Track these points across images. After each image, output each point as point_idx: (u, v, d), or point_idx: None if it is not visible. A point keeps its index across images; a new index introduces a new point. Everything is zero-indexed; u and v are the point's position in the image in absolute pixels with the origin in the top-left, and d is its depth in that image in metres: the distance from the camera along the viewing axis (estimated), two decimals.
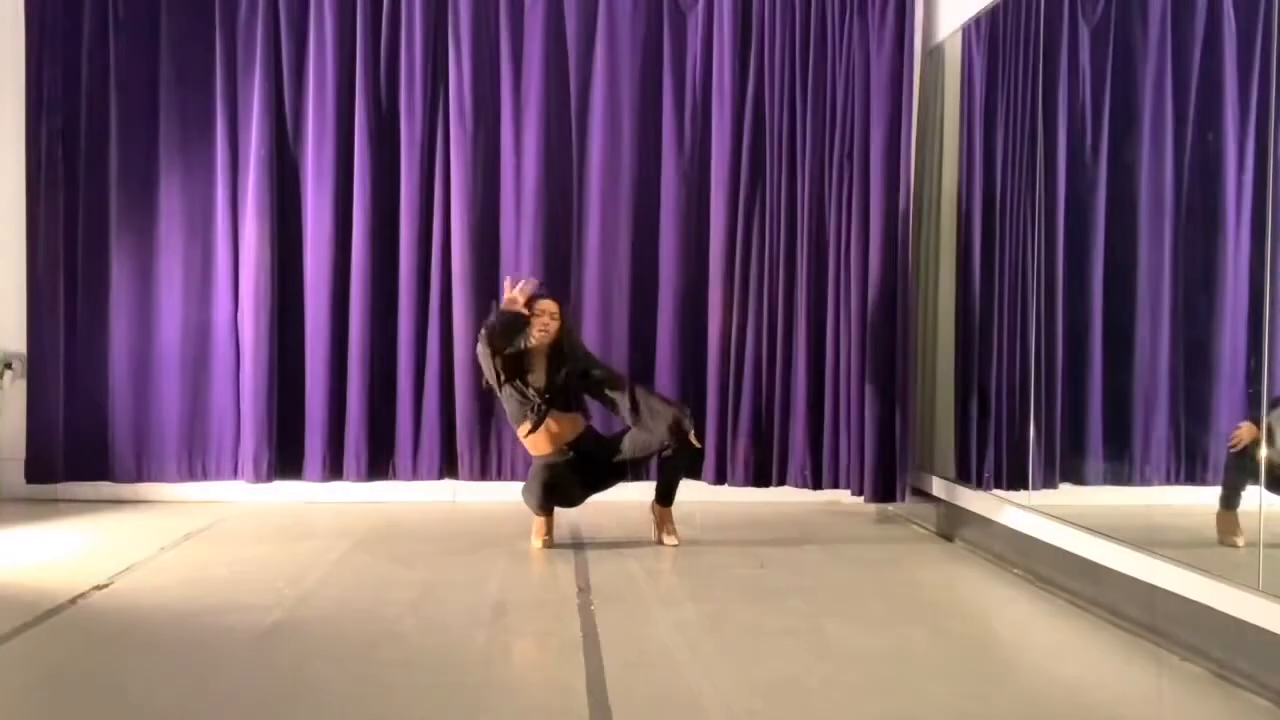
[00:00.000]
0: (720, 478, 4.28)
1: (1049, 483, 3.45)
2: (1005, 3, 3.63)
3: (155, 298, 4.26)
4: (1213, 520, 2.88)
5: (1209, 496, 2.95)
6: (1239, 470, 2.87)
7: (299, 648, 2.48)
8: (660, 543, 3.64)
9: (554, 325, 3.60)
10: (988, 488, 3.65)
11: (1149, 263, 3.38)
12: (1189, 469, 3.26)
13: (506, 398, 3.64)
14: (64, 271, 4.21)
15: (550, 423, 3.60)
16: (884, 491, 4.10)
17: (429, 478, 4.30)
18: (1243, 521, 2.75)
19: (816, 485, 4.26)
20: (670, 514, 3.69)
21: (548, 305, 3.61)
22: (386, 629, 2.62)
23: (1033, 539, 3.23)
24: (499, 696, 2.18)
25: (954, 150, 3.99)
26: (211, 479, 4.28)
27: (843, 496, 4.28)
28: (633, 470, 3.78)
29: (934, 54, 4.20)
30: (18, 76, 4.20)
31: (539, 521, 3.63)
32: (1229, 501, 2.90)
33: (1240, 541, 2.78)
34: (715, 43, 4.28)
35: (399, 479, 4.31)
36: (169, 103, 4.24)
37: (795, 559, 3.48)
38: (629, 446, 3.66)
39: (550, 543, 3.59)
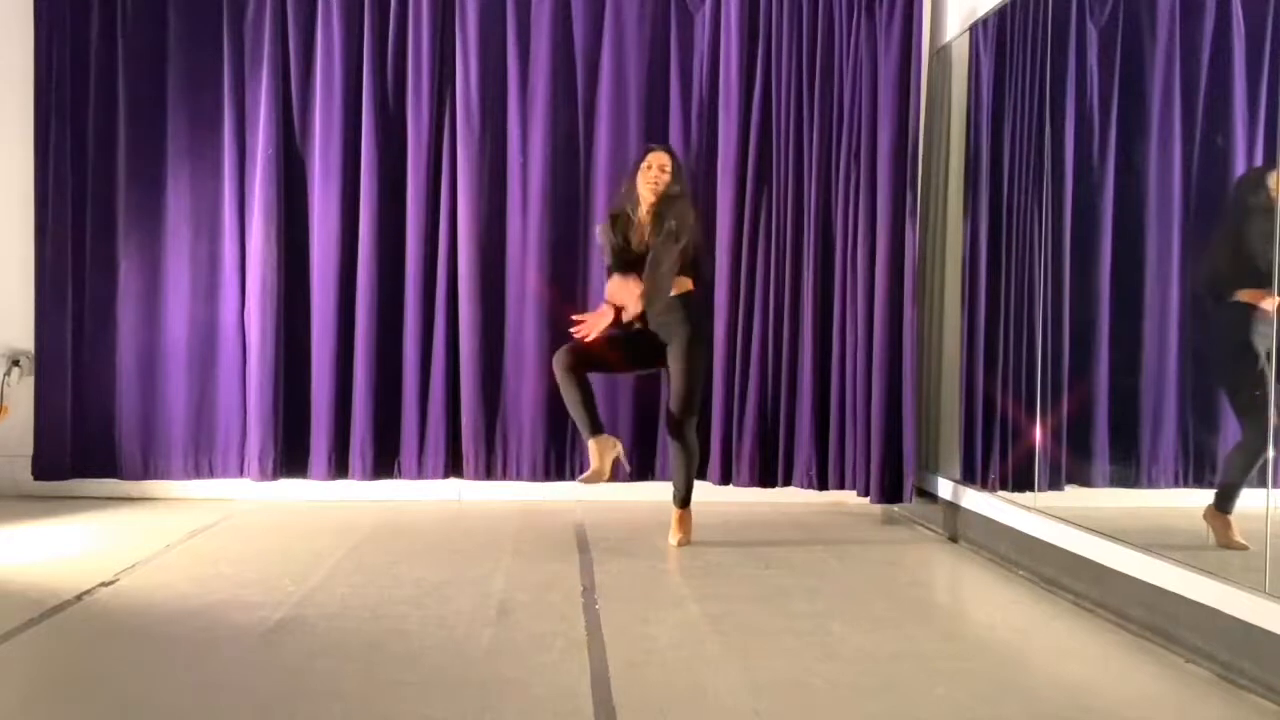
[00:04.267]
0: (725, 478, 4.28)
1: (1055, 485, 3.44)
2: (1013, 3, 3.62)
3: (162, 296, 4.27)
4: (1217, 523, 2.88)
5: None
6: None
7: (304, 645, 2.48)
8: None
9: (664, 179, 3.51)
10: (993, 489, 3.64)
11: (1156, 264, 3.37)
12: (1196, 472, 3.25)
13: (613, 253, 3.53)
14: (72, 269, 4.22)
15: (628, 283, 3.42)
16: (889, 492, 4.10)
17: (434, 477, 4.30)
18: (1246, 525, 2.75)
19: (822, 486, 4.25)
20: (686, 516, 3.68)
21: (658, 158, 3.54)
22: (391, 627, 2.63)
23: (1038, 541, 3.22)
24: (503, 695, 2.18)
25: (961, 150, 3.98)
26: (217, 477, 4.30)
27: (848, 497, 4.28)
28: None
29: (941, 54, 4.19)
30: (26, 75, 4.22)
31: (593, 445, 3.45)
32: (1225, 504, 2.89)
33: (1210, 539, 2.80)
34: (722, 42, 4.28)
35: (404, 478, 4.31)
36: (176, 101, 4.25)
37: (800, 559, 3.48)
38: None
39: (606, 473, 3.45)
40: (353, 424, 4.26)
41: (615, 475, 3.53)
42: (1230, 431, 3.06)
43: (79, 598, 2.83)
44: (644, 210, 3.54)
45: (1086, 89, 3.44)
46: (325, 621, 2.67)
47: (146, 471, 4.28)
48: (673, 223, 3.44)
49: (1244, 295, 2.76)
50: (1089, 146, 3.46)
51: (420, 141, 4.26)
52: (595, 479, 3.46)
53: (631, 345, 3.60)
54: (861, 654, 2.49)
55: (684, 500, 3.68)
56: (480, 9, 4.27)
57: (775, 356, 4.26)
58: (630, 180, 3.62)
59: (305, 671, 2.31)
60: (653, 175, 3.54)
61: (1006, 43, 3.69)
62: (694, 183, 4.30)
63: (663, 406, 3.89)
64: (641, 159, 3.61)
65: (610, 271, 3.60)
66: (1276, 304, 2.39)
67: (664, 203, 3.51)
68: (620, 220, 3.59)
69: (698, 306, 3.67)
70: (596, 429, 3.46)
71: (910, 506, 4.16)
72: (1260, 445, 2.66)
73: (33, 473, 4.23)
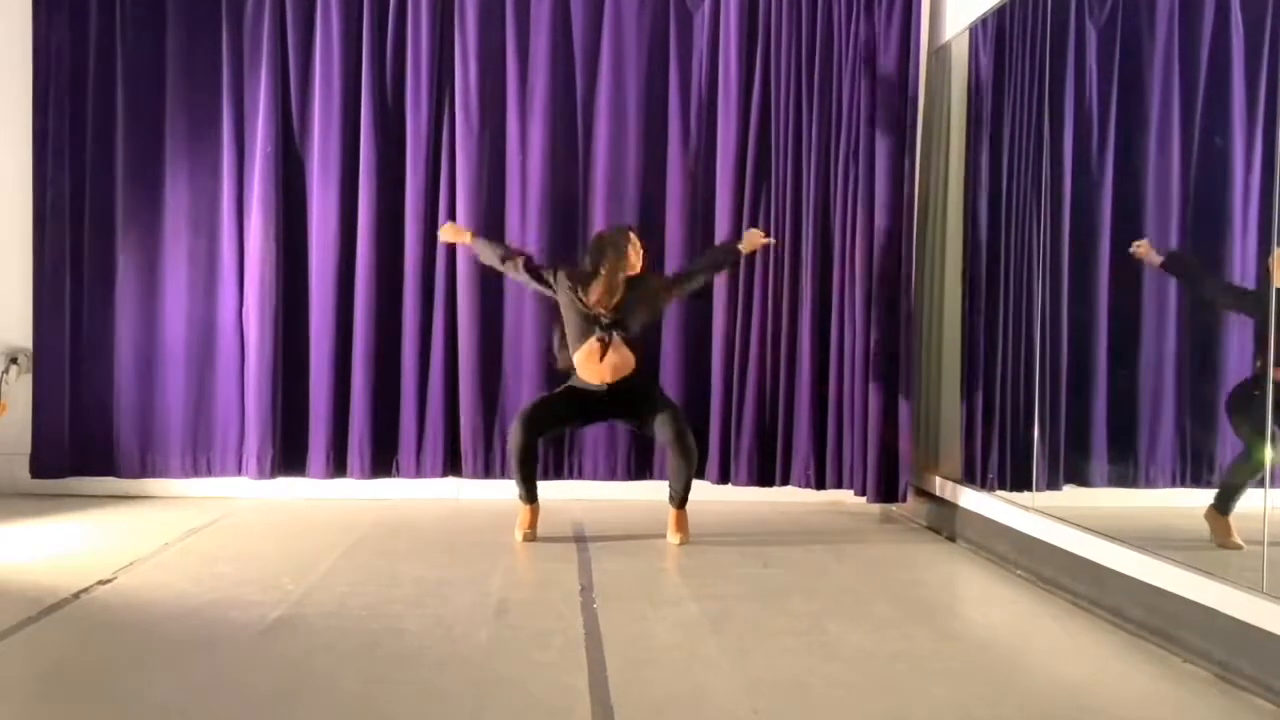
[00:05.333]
0: (724, 477, 4.28)
1: (1053, 484, 3.44)
2: (1012, 2, 3.62)
3: (160, 293, 4.27)
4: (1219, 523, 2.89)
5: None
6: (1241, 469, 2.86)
7: (302, 644, 2.48)
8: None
9: (640, 265, 3.67)
10: (991, 489, 3.65)
11: None
12: (1194, 471, 3.26)
13: (565, 306, 3.66)
14: (70, 267, 4.22)
15: (613, 352, 3.59)
16: (887, 492, 4.10)
17: (432, 476, 4.30)
18: (1243, 525, 2.75)
19: (820, 485, 4.25)
20: (683, 516, 3.69)
21: (637, 240, 3.69)
22: (389, 625, 2.63)
23: (1036, 540, 3.22)
24: (501, 694, 2.18)
25: (959, 150, 3.98)
26: (215, 475, 4.29)
27: (846, 497, 4.28)
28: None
29: (940, 53, 4.19)
30: (24, 72, 4.21)
31: (524, 511, 3.67)
32: (1224, 506, 2.89)
33: (1229, 540, 2.79)
34: (721, 41, 4.27)
35: (402, 477, 4.31)
36: (175, 99, 4.25)
37: (798, 559, 3.48)
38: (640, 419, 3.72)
39: (533, 536, 3.63)
40: (351, 422, 4.25)
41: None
42: (1228, 430, 3.07)
43: (77, 596, 2.83)
44: (620, 276, 3.60)
45: (1086, 89, 3.44)
46: (323, 620, 2.67)
47: (144, 470, 4.28)
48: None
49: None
50: (1088, 146, 3.46)
51: (419, 140, 4.25)
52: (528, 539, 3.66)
53: (589, 408, 3.72)
54: (860, 654, 2.49)
55: (681, 501, 3.69)
56: (480, 7, 4.26)
57: (774, 356, 4.26)
58: (615, 241, 3.63)
59: (303, 669, 2.31)
60: (637, 251, 3.65)
61: (1006, 42, 3.69)
62: (694, 182, 4.31)
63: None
64: (625, 233, 3.67)
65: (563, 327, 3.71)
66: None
67: (643, 276, 3.69)
68: (582, 277, 3.65)
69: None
70: (532, 498, 3.71)
71: (908, 506, 4.16)
72: (1258, 465, 2.66)
73: (31, 471, 4.22)
